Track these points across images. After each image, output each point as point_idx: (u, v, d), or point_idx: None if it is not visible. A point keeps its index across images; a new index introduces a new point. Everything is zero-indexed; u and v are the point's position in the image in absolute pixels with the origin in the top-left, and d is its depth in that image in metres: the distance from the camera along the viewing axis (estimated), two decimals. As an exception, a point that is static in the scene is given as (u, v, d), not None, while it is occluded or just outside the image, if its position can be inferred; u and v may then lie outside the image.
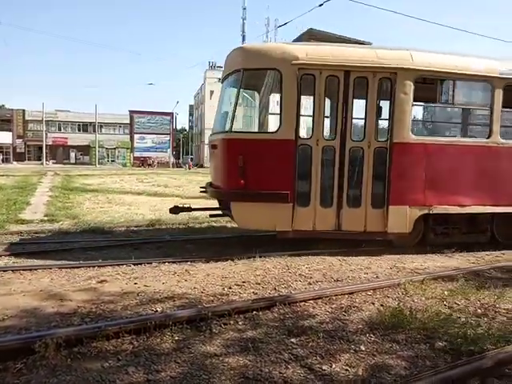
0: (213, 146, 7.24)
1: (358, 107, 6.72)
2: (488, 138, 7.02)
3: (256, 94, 7.85)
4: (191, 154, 72.73)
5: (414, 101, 6.64)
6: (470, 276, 5.35)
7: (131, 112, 63.49)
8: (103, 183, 21.68)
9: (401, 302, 4.36)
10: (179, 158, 68.06)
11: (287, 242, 7.36)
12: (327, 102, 6.78)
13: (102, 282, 4.88)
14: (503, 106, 6.98)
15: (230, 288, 4.72)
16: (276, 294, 4.54)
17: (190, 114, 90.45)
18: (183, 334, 3.48)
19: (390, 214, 6.60)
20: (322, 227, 6.61)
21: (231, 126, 6.62)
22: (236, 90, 6.79)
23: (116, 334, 3.35)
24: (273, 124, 6.95)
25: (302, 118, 6.60)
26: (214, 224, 9.46)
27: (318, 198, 6.55)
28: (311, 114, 6.59)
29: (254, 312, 3.96)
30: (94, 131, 58.32)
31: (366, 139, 6.61)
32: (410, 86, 6.49)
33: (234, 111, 6.66)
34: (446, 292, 4.69)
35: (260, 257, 6.11)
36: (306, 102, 6.79)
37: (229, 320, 3.76)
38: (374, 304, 4.36)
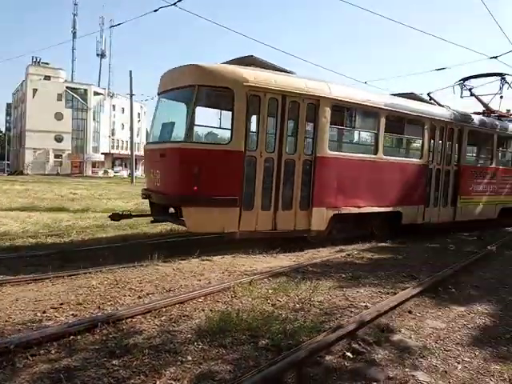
0: (161, 155, 7.56)
1: (292, 126, 8.03)
2: (375, 154, 8.97)
3: (206, 108, 8.53)
4: (7, 159, 63.15)
5: (330, 123, 8.16)
6: (291, 273, 5.86)
7: None
8: None
9: (229, 305, 4.47)
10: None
11: (120, 253, 6.93)
12: (269, 119, 7.67)
13: None
14: (385, 131, 9.14)
15: (45, 312, 4.12)
16: (100, 314, 4.14)
17: (8, 114, 78.73)
18: (-27, 376, 2.85)
19: (313, 215, 7.97)
20: (262, 228, 7.55)
21: (186, 137, 7.24)
22: (190, 103, 7.38)
23: None
24: (221, 136, 8.19)
25: (249, 132, 7.48)
26: (31, 240, 8.26)
27: (259, 202, 7.48)
28: (256, 129, 7.56)
29: (72, 337, 3.51)
30: None
31: (297, 153, 7.84)
32: (328, 112, 8.05)
33: (191, 123, 7.28)
34: (270, 291, 5.01)
35: (85, 273, 5.56)
36: (253, 119, 7.70)
37: (38, 350, 3.24)
38: (204, 311, 4.35)
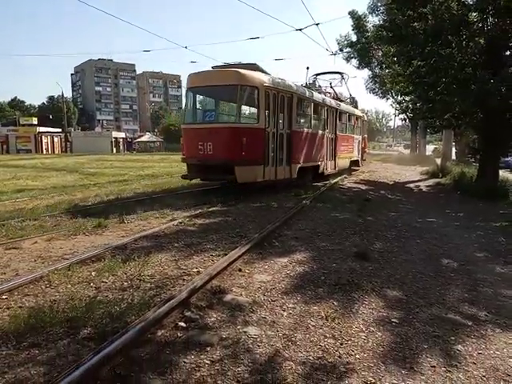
0: (215, 132, 10.48)
1: (280, 110, 11.57)
2: (309, 128, 13.67)
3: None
4: None
5: (297, 109, 12.47)
6: (117, 251, 5.34)
7: None
8: None
9: (41, 297, 3.83)
10: None
11: None
12: (272, 107, 11.16)
13: None
14: (313, 113, 14.08)
15: None
16: None
17: None
18: None
19: (292, 168, 12.12)
20: (272, 178, 11.23)
21: (237, 120, 10.82)
22: (235, 96, 10.64)
23: None
24: (250, 119, 11.84)
25: (266, 116, 10.95)
26: None
27: (270, 161, 11.10)
28: (268, 113, 10.97)
29: None
30: None
31: (284, 128, 11.75)
32: (295, 102, 12.21)
33: (239, 110, 10.98)
34: (93, 273, 4.49)
35: None
36: (268, 107, 11.01)
37: None
38: (9, 309, 3.62)
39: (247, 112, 12.23)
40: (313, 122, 14.11)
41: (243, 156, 10.12)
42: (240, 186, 10.69)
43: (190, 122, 11.86)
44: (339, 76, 19.71)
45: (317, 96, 14.68)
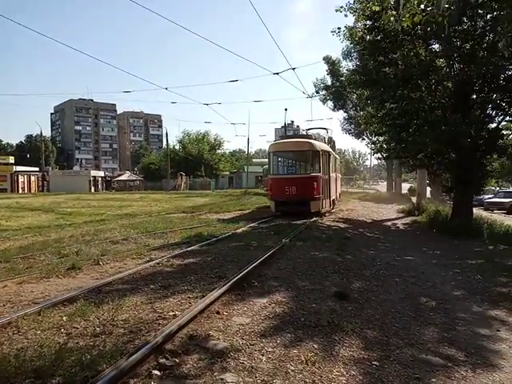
0: (297, 180, 16.43)
1: (325, 163, 17.18)
2: (332, 173, 19.60)
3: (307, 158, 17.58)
4: None
5: (329, 162, 18.17)
6: (91, 294, 5.18)
7: None
8: None
9: (8, 345, 3.62)
10: None
11: None
12: (324, 162, 17.17)
13: None
14: (330, 162, 19.31)
15: None
16: None
17: None
18: None
19: (330, 201, 18.10)
20: (323, 207, 16.76)
21: (311, 171, 16.75)
22: (308, 158, 17.00)
23: None
24: (317, 171, 16.68)
25: (321, 168, 16.70)
26: None
27: (324, 196, 16.79)
28: (323, 166, 16.68)
29: None
30: None
31: (327, 175, 17.21)
32: (331, 157, 18.84)
33: (309, 165, 17.12)
34: (64, 318, 4.29)
35: None
36: (322, 162, 16.84)
37: None
38: (-29, 359, 3.41)
39: (315, 166, 17.04)
40: (331, 167, 19.26)
41: (314, 194, 15.85)
42: (312, 214, 15.55)
43: (276, 173, 17.95)
44: (324, 131, 25.23)
45: (330, 149, 19.89)
